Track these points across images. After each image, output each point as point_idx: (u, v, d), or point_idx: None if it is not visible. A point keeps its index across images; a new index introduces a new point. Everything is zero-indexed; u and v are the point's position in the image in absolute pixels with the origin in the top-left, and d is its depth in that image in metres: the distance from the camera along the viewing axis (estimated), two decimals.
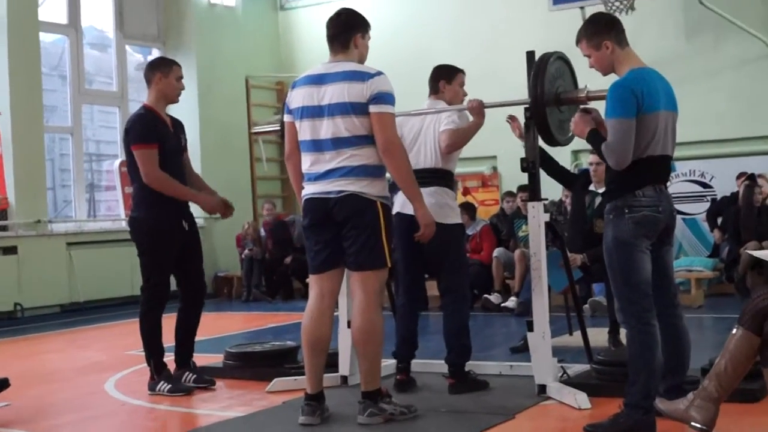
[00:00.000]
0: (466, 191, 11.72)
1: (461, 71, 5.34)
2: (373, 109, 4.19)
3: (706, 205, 10.19)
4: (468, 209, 9.58)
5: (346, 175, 4.21)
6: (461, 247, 5.18)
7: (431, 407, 4.54)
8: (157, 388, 5.17)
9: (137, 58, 12.96)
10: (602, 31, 4.00)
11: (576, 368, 5.06)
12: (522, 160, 4.81)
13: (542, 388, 4.70)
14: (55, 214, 11.64)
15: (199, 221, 6.34)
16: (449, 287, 5.02)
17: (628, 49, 4.03)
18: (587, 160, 6.76)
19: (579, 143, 9.17)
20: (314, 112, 4.27)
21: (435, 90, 5.22)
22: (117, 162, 11.52)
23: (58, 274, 10.40)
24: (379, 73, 4.25)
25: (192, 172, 5.56)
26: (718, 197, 10.04)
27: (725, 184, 9.94)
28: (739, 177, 9.49)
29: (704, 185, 10.35)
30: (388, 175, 4.37)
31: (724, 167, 10.08)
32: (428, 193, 4.73)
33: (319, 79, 4.30)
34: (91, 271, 10.55)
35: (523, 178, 4.96)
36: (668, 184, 4.09)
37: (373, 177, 4.24)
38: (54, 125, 11.83)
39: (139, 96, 12.93)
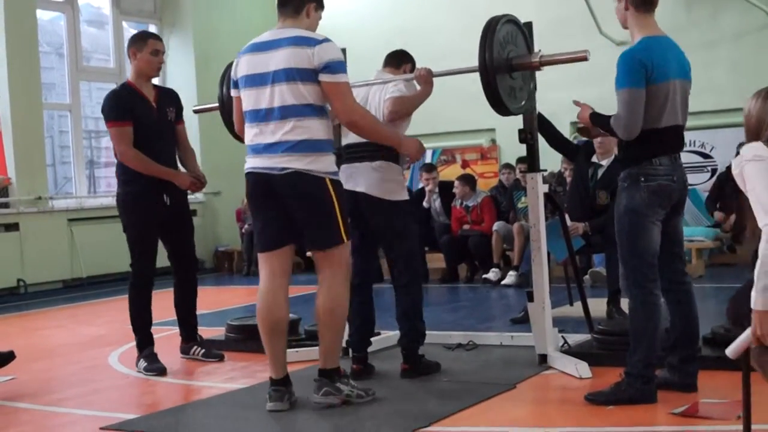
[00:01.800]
0: (465, 164, 11.72)
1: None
2: (325, 78, 3.97)
3: (707, 176, 10.20)
4: (468, 181, 9.60)
5: (289, 150, 3.97)
6: (408, 225, 4.74)
7: (434, 378, 4.59)
8: (137, 365, 5.20)
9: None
10: None
11: (577, 338, 5.09)
12: (520, 131, 4.80)
13: (543, 358, 4.73)
14: (55, 190, 11.65)
15: (199, 196, 6.39)
16: (398, 267, 4.68)
17: (648, 16, 3.95)
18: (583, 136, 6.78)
19: (575, 110, 9.05)
20: (258, 80, 4.05)
21: (396, 66, 4.92)
22: None
23: (59, 250, 10.44)
24: (327, 40, 4.02)
25: (185, 145, 5.48)
26: (719, 167, 10.04)
27: (725, 155, 9.93)
28: (740, 146, 9.49)
29: (704, 155, 10.35)
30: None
31: (724, 137, 10.07)
32: (372, 168, 4.56)
33: (264, 46, 4.09)
34: (92, 246, 10.59)
35: (522, 150, 4.96)
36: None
37: (319, 152, 4.00)
38: (52, 102, 11.81)
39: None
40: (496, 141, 11.57)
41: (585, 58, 4.45)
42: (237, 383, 4.80)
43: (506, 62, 4.44)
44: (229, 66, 5.07)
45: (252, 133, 4.10)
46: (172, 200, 5.25)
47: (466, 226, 9.40)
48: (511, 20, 4.56)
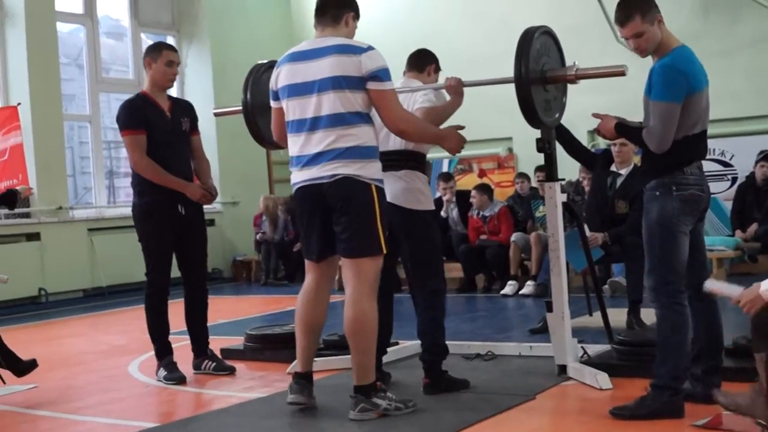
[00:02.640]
0: (482, 173, 11.72)
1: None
2: (373, 86, 3.99)
3: (727, 184, 10.14)
4: (485, 191, 9.57)
5: (337, 157, 3.97)
6: (433, 236, 4.68)
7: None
8: (157, 374, 5.22)
9: None
10: (652, 4, 3.83)
11: (596, 348, 5.05)
12: (538, 140, 4.77)
13: (562, 369, 4.70)
14: (75, 200, 11.73)
15: (217, 206, 6.40)
16: (420, 281, 4.61)
17: (665, 27, 3.90)
18: (606, 140, 6.70)
19: (595, 123, 9.00)
20: (301, 90, 4.05)
21: (420, 69, 4.84)
22: None
23: (80, 259, 10.51)
24: (371, 48, 4.03)
25: (201, 155, 5.47)
26: (739, 176, 9.98)
27: (745, 163, 9.87)
28: (760, 155, 9.42)
29: (725, 164, 10.30)
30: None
31: (744, 145, 10.02)
32: (398, 177, 4.51)
33: (305, 56, 4.09)
34: (112, 256, 10.65)
35: (540, 159, 4.94)
36: None
37: (367, 159, 4.01)
38: (73, 114, 11.90)
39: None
40: (513, 150, 11.56)
41: (623, 73, 4.36)
42: (255, 392, 4.81)
43: (541, 75, 4.39)
44: (253, 70, 5.11)
45: (297, 144, 4.10)
46: (187, 210, 5.25)
47: (483, 236, 9.38)
48: (547, 32, 4.52)
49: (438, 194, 9.94)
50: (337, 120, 3.98)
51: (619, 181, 6.43)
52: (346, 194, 3.99)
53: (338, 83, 3.98)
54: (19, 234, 10.11)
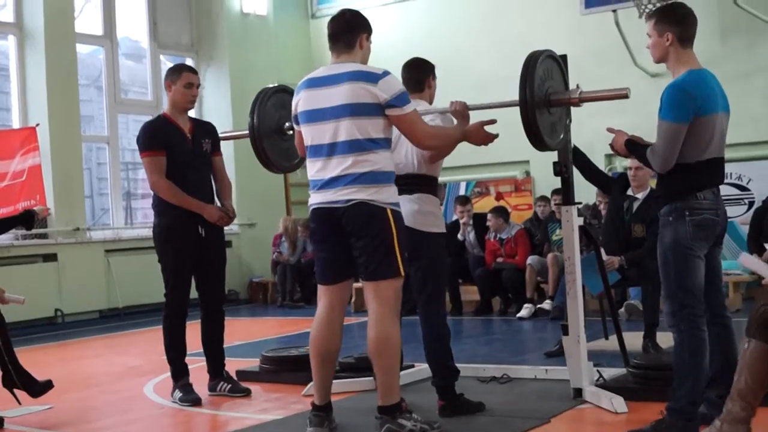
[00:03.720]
0: (499, 196, 11.70)
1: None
2: (394, 112, 4.04)
3: (744, 208, 10.08)
4: (502, 213, 9.56)
5: (353, 182, 4.00)
6: (442, 259, 4.70)
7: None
8: (173, 395, 5.21)
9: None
10: (672, 21, 3.91)
11: (612, 372, 5.03)
12: (555, 164, 4.79)
13: (578, 392, 4.69)
14: (93, 221, 11.79)
15: (234, 227, 6.43)
16: (425, 301, 4.60)
17: (690, 51, 3.95)
18: (623, 164, 6.70)
19: (611, 138, 8.97)
20: (318, 116, 4.10)
21: (419, 87, 4.80)
22: None
23: (96, 280, 10.55)
24: (387, 73, 4.07)
25: (223, 177, 5.50)
26: (756, 200, 9.92)
27: (762, 187, 9.81)
28: None
29: (741, 188, 10.24)
30: None
31: (762, 169, 9.98)
32: (411, 200, 4.52)
33: (321, 82, 4.14)
34: (129, 277, 10.68)
35: (557, 182, 4.95)
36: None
37: (382, 184, 4.04)
38: (91, 135, 11.98)
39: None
40: (530, 173, 11.55)
41: (626, 96, 4.41)
42: (271, 414, 4.81)
43: (545, 98, 4.43)
44: (260, 94, 5.16)
45: (315, 168, 4.14)
46: (207, 232, 5.26)
47: (499, 259, 9.37)
48: (550, 56, 4.55)
49: (455, 217, 9.94)
50: (354, 146, 4.02)
51: (636, 205, 6.42)
52: (362, 219, 4.01)
53: (354, 110, 4.02)
54: (36, 255, 10.15)
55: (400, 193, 4.34)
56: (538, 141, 4.41)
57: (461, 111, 4.65)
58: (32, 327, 9.51)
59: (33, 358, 6.34)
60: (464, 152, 12.79)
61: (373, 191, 4.00)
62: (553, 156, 4.85)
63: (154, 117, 5.45)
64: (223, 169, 5.53)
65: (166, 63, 12.81)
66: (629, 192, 6.49)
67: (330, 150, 4.07)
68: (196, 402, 5.11)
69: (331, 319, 4.19)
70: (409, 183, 4.55)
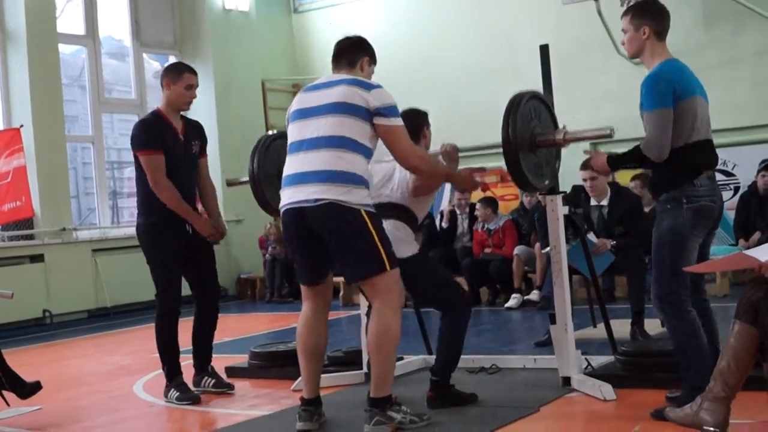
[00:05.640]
0: (485, 187, 11.70)
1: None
2: (381, 121, 4.04)
3: (730, 194, 10.12)
4: (490, 204, 9.58)
5: (325, 180, 3.94)
6: (431, 272, 4.61)
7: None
8: (168, 395, 5.19)
9: (154, 65, 13.06)
10: (648, 15, 4.01)
11: (600, 360, 5.05)
12: None
13: (566, 381, 4.70)
14: (79, 221, 11.75)
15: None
16: (442, 310, 4.56)
17: (663, 44, 4.05)
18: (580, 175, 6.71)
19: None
20: (308, 113, 4.11)
21: (415, 137, 4.48)
22: None
23: (84, 280, 10.52)
24: (380, 86, 4.11)
25: (207, 180, 5.44)
26: (741, 185, 9.97)
27: (747, 172, 9.87)
28: (762, 164, 9.42)
29: (727, 174, 10.29)
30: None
31: (747, 155, 10.03)
32: (385, 223, 4.27)
33: (318, 86, 4.19)
34: (117, 276, 10.65)
35: None
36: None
37: (355, 185, 3.96)
38: (75, 135, 11.94)
39: (158, 103, 13.02)
40: None
41: (610, 135, 4.40)
42: (260, 410, 4.81)
43: (530, 139, 4.40)
44: (261, 140, 5.15)
45: (290, 165, 4.12)
46: (194, 230, 5.23)
47: (487, 250, 9.39)
48: (535, 96, 4.55)
49: (451, 205, 9.98)
50: (333, 142, 4.00)
51: (605, 211, 6.60)
52: (332, 221, 3.96)
53: (343, 109, 4.02)
54: (23, 256, 10.12)
55: None
56: (523, 182, 4.44)
57: (450, 153, 4.67)
58: (20, 328, 9.50)
59: (21, 359, 6.33)
60: (450, 142, 12.73)
61: (343, 191, 3.94)
62: None
63: (147, 114, 5.35)
64: (207, 171, 5.47)
65: (150, 62, 12.77)
66: (592, 202, 6.64)
67: (310, 144, 4.05)
68: (196, 400, 5.08)
69: (317, 318, 4.23)
70: (386, 209, 4.49)
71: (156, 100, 12.70)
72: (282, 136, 5.10)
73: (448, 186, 11.77)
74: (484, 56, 11.62)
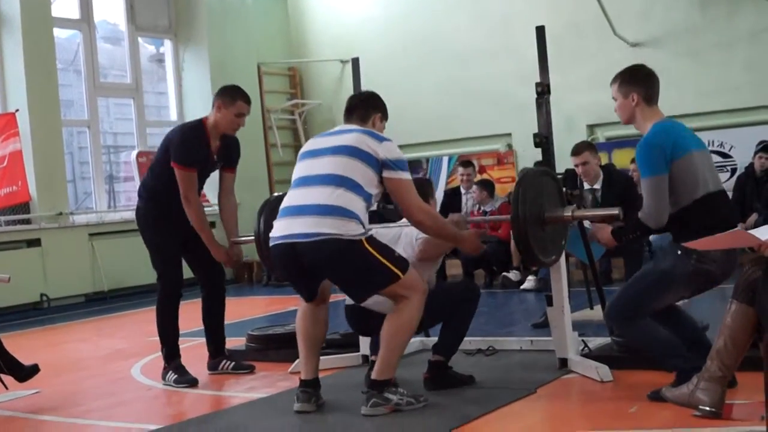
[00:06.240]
0: (482, 169, 11.71)
1: None
2: (390, 174, 4.08)
3: (726, 175, 10.12)
4: (486, 186, 9.59)
5: (321, 213, 3.95)
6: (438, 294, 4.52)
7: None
8: (166, 377, 5.21)
9: (150, 50, 13.02)
10: (636, 82, 4.03)
11: (597, 342, 5.07)
12: (535, 135, 4.81)
13: (563, 362, 4.71)
14: (76, 206, 11.73)
15: (217, 207, 6.39)
16: (461, 308, 4.62)
17: (655, 108, 4.05)
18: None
19: (594, 117, 9.02)
20: (317, 153, 4.18)
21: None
22: (134, 153, 11.61)
23: (81, 264, 10.52)
24: (390, 140, 4.17)
25: (230, 196, 5.44)
26: (738, 167, 9.97)
27: (744, 154, 9.86)
28: (759, 146, 9.42)
29: (724, 155, 10.28)
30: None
31: (743, 136, 10.02)
32: None
33: (330, 133, 4.29)
34: (114, 260, 10.66)
35: (539, 154, 4.96)
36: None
37: (350, 219, 3.96)
38: (71, 119, 11.90)
39: (153, 87, 13.01)
40: (512, 146, 11.56)
41: (619, 217, 4.38)
42: (258, 392, 4.82)
43: (539, 215, 4.40)
44: (267, 201, 5.11)
45: (291, 197, 4.16)
46: None
47: (482, 236, 9.38)
48: (546, 173, 4.58)
49: (457, 182, 9.97)
50: (337, 180, 4.03)
51: (598, 195, 6.68)
52: (332, 257, 3.96)
53: (352, 152, 4.08)
54: (20, 240, 10.10)
55: None
56: (531, 258, 4.45)
57: (458, 222, 4.68)
58: (18, 312, 9.51)
59: (19, 344, 6.33)
60: (446, 126, 12.88)
61: (339, 224, 3.94)
62: (534, 129, 4.86)
63: (194, 123, 5.27)
64: (232, 185, 5.44)
65: (145, 45, 12.73)
66: (585, 185, 6.68)
67: (313, 180, 4.10)
68: (193, 383, 5.10)
69: (316, 313, 4.31)
70: None
71: (151, 84, 12.70)
72: None
73: (444, 163, 11.79)
74: (480, 37, 11.59)
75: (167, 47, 12.59)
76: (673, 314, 4.12)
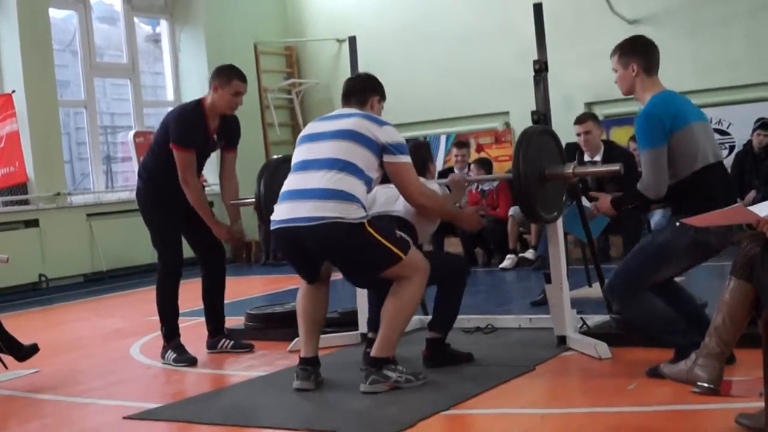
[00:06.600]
0: (479, 148, 11.70)
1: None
2: (390, 159, 4.10)
3: (725, 153, 10.11)
4: (484, 165, 9.57)
5: (323, 197, 3.97)
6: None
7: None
8: (165, 356, 5.22)
9: (146, 30, 12.95)
10: (635, 52, 4.03)
11: (596, 319, 5.08)
12: (533, 113, 4.80)
13: (562, 340, 4.73)
14: (73, 186, 11.72)
15: (215, 187, 6.39)
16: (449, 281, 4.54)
17: (655, 78, 4.05)
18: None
19: (592, 95, 9.02)
20: (317, 137, 4.19)
21: (422, 171, 4.60)
22: (131, 133, 11.57)
23: (79, 245, 10.51)
24: (390, 124, 4.19)
25: (232, 175, 5.44)
26: (737, 143, 9.96)
27: (742, 131, 9.84)
28: (757, 122, 9.41)
29: (722, 132, 10.26)
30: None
31: (742, 113, 9.99)
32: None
33: (331, 117, 4.29)
34: (112, 240, 10.65)
35: None
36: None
37: (352, 203, 3.98)
38: (68, 99, 11.87)
39: (150, 67, 12.96)
40: (510, 124, 11.54)
41: (619, 173, 4.43)
42: (257, 371, 4.83)
43: (540, 173, 4.40)
44: (267, 164, 5.16)
45: (292, 181, 4.17)
46: None
47: (481, 211, 9.37)
48: (546, 131, 4.57)
49: (452, 162, 9.96)
50: (337, 164, 4.04)
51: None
52: (334, 241, 3.99)
53: (353, 136, 4.09)
54: (18, 221, 10.09)
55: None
56: (532, 215, 4.47)
57: (459, 182, 4.75)
58: (17, 293, 9.51)
59: (18, 324, 6.33)
60: (443, 104, 12.81)
61: (340, 208, 3.95)
62: (532, 106, 4.85)
63: (192, 104, 5.25)
64: (233, 165, 5.45)
65: (141, 26, 12.66)
66: (586, 158, 6.64)
67: (314, 164, 4.10)
68: (192, 362, 5.11)
69: (317, 293, 4.32)
70: (388, 221, 4.44)
71: (147, 64, 12.64)
72: (288, 159, 5.10)
73: (442, 142, 11.77)
74: (477, 15, 11.53)
75: (163, 27, 12.52)
76: (672, 290, 4.13)
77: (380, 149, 4.11)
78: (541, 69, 4.80)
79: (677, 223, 3.89)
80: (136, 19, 12.24)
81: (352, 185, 4.01)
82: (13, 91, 10.02)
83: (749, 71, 9.99)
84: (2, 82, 10.37)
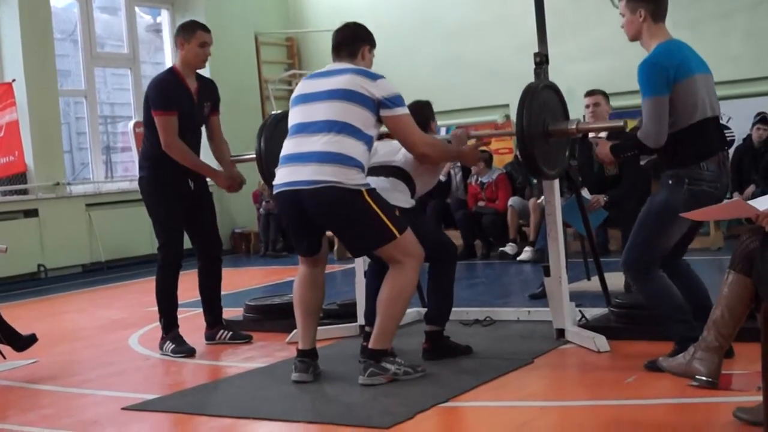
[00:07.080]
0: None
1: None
2: (387, 112, 4.07)
3: None
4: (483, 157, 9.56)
5: (323, 161, 3.95)
6: (420, 226, 4.37)
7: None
8: (163, 347, 5.23)
9: (146, 19, 12.93)
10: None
11: (594, 312, 5.08)
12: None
13: (561, 333, 4.73)
14: (73, 176, 11.72)
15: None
16: (429, 262, 4.47)
17: (662, 25, 4.02)
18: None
19: (593, 88, 8.97)
20: (312, 98, 4.14)
21: (424, 130, 4.52)
22: (131, 123, 11.56)
23: (78, 235, 10.51)
24: (384, 76, 4.13)
25: (220, 138, 5.45)
26: (736, 138, 9.95)
27: (742, 125, 9.83)
28: (757, 117, 9.40)
29: (722, 127, 10.25)
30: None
31: (742, 108, 9.98)
32: (385, 180, 4.44)
33: (323, 74, 4.21)
34: (111, 231, 10.66)
35: None
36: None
37: (351, 167, 3.97)
38: (68, 89, 11.86)
39: (150, 57, 12.93)
40: (510, 117, 11.52)
41: (623, 128, 4.44)
42: (256, 362, 4.83)
43: (543, 129, 4.40)
44: (267, 120, 5.16)
45: (291, 144, 4.14)
46: (195, 185, 5.28)
47: (480, 203, 9.39)
48: (549, 86, 4.55)
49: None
50: (334, 126, 4.02)
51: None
52: (333, 205, 3.98)
53: (347, 96, 4.05)
54: (17, 211, 10.09)
55: (378, 175, 4.40)
56: (535, 170, 4.46)
57: (461, 137, 4.70)
58: (16, 283, 9.52)
59: (17, 314, 6.34)
60: (443, 96, 12.79)
61: (340, 172, 3.94)
62: None
63: (163, 72, 5.33)
64: (220, 129, 5.47)
65: (142, 15, 12.64)
66: (590, 135, 6.56)
67: (312, 127, 4.07)
68: (191, 353, 5.12)
69: (313, 280, 4.30)
70: (388, 170, 4.50)
71: (148, 54, 12.61)
72: (287, 115, 5.09)
73: (442, 134, 11.72)
74: (478, 7, 11.51)
75: (164, 17, 12.49)
76: (689, 278, 4.13)
77: (376, 105, 4.06)
78: (541, 62, 4.80)
79: (669, 182, 3.90)
80: (137, 9, 12.22)
81: (352, 147, 3.99)
82: (14, 80, 10.01)
83: (749, 66, 9.97)
84: (2, 71, 10.36)
